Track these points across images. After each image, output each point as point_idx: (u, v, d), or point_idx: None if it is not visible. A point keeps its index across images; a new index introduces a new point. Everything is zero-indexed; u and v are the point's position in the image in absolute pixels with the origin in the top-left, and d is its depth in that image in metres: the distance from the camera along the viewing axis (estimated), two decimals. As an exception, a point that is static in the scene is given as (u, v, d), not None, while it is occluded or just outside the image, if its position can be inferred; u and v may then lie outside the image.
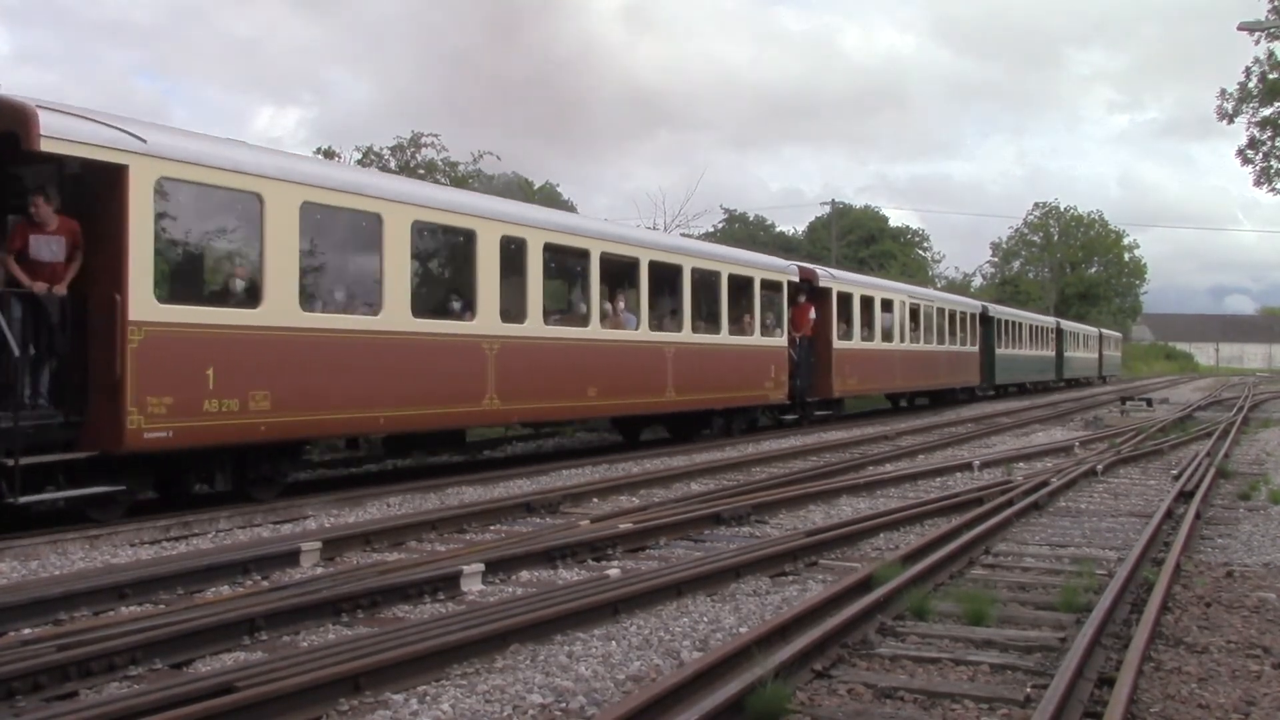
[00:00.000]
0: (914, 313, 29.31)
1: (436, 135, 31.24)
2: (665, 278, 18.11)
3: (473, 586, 7.51)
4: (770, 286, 21.40)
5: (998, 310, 38.89)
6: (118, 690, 5.23)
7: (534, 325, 14.45)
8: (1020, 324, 41.68)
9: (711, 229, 53.63)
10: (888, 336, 27.09)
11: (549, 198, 39.84)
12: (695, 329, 18.41)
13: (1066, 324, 52.99)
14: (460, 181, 29.68)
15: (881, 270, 53.15)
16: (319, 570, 8.14)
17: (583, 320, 15.81)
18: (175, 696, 4.70)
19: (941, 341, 31.53)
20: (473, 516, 10.37)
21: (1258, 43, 35.89)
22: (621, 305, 16.94)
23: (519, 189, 38.20)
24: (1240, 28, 30.94)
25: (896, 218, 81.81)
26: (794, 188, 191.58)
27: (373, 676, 5.18)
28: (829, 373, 23.48)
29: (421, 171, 29.21)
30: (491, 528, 10.25)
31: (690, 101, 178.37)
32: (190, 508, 10.42)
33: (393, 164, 29.32)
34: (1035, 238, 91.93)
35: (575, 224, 17.00)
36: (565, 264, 16.48)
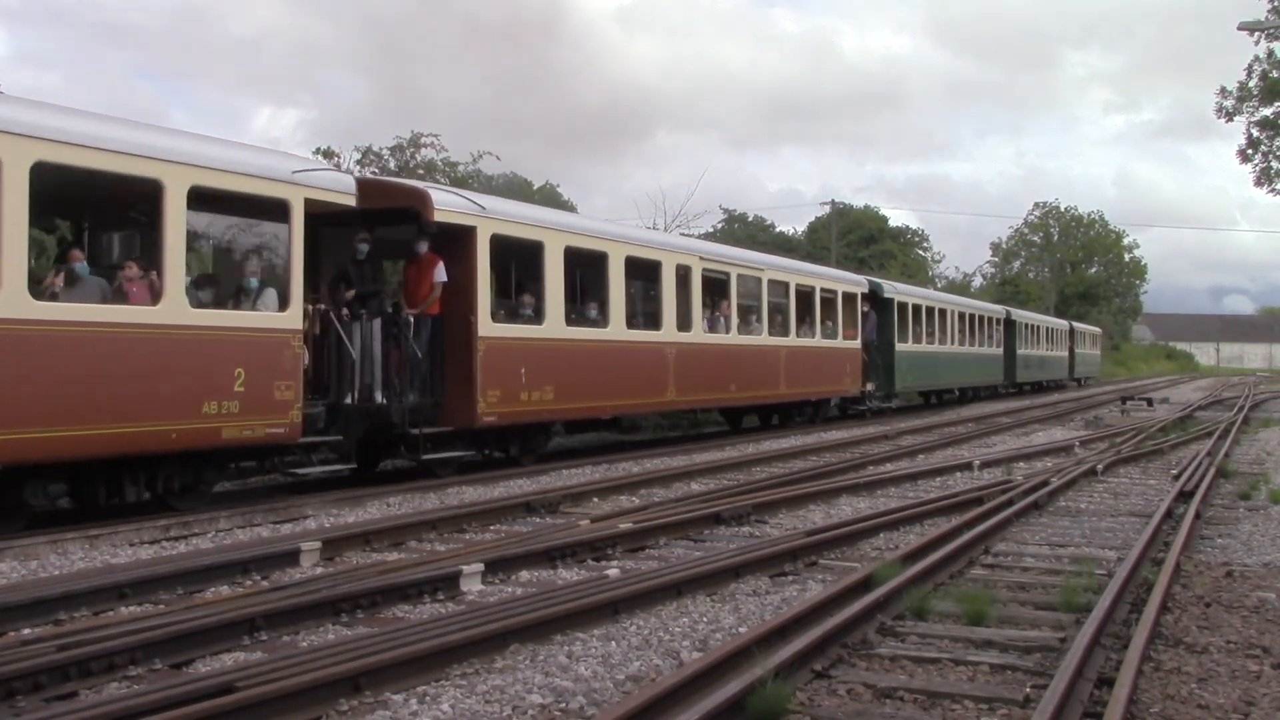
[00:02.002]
0: (713, 284, 19.36)
1: (436, 135, 31.25)
2: None
3: (472, 586, 7.51)
4: (236, 205, 11.04)
5: (898, 290, 29.49)
6: (118, 690, 5.23)
7: None
8: (942, 311, 32.07)
9: (711, 229, 53.64)
10: (652, 321, 17.45)
11: (549, 198, 39.84)
12: None
13: (1021, 314, 43.54)
14: (460, 182, 29.69)
15: (882, 270, 52.65)
16: (319, 570, 8.14)
17: None
18: (175, 696, 4.70)
19: (783, 330, 21.81)
20: (473, 516, 10.37)
21: (1257, 43, 35.90)
22: None
23: (519, 189, 38.21)
24: (1240, 27, 30.95)
25: (895, 218, 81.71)
26: (792, 188, 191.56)
27: (373, 676, 5.18)
28: (469, 381, 13.26)
29: (421, 172, 29.21)
30: (491, 528, 10.25)
31: (688, 102, 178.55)
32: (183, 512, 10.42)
33: (392, 164, 29.32)
34: (1035, 238, 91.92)
35: None
36: None
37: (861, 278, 27.53)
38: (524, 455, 14.95)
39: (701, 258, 18.98)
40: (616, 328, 16.27)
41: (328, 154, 28.55)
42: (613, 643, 6.11)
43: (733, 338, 19.68)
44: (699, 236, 36.33)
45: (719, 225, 59.40)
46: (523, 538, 9.19)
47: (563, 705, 5.07)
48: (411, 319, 13.09)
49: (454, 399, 13.36)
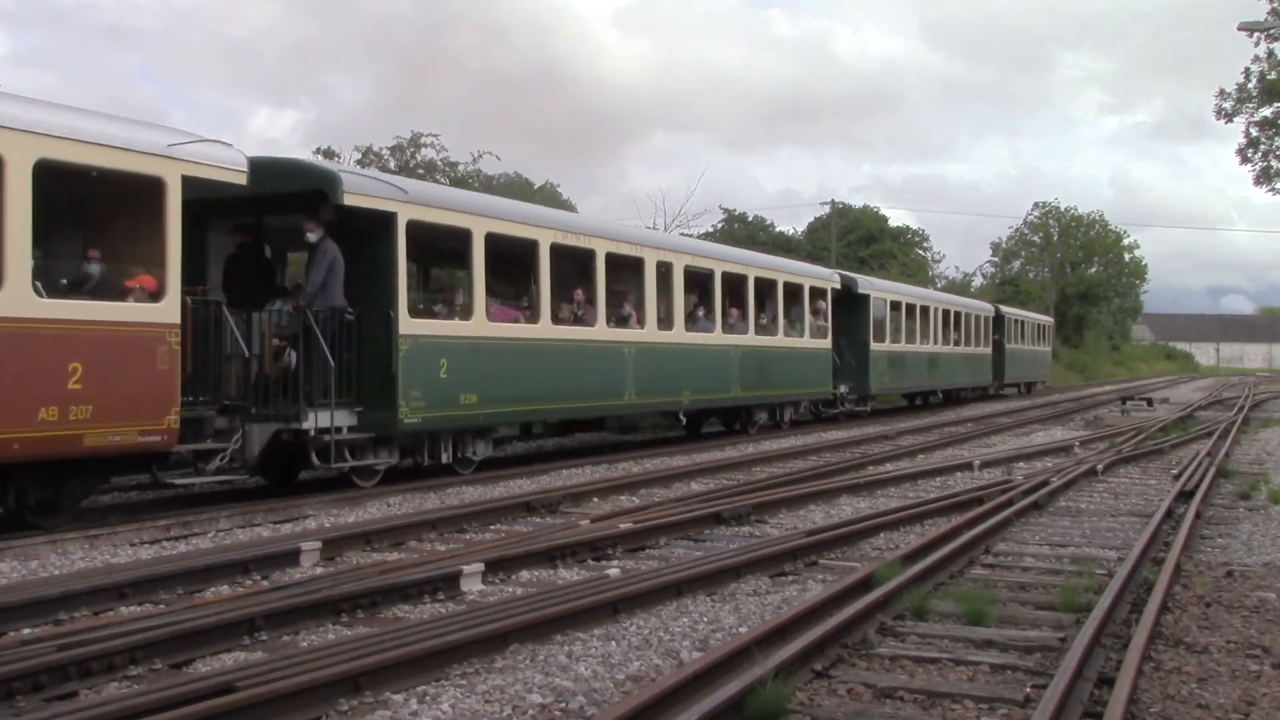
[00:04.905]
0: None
1: (436, 135, 31.30)
2: None
3: (473, 586, 7.51)
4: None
5: (420, 194, 13.13)
6: (117, 690, 5.23)
7: None
8: (613, 260, 15.96)
9: (711, 229, 53.68)
10: None
11: (549, 197, 39.87)
12: None
13: (883, 286, 28.26)
14: (460, 182, 29.69)
15: (881, 270, 52.40)
16: (319, 570, 8.14)
17: None
18: (175, 696, 4.70)
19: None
20: (473, 516, 10.37)
21: (1257, 44, 35.95)
22: None
23: (519, 189, 38.25)
24: (1241, 28, 31.06)
25: (893, 218, 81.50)
26: (790, 189, 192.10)
27: (373, 676, 5.17)
28: None
29: (421, 171, 29.22)
30: (491, 527, 10.25)
31: (685, 104, 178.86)
32: (190, 507, 10.42)
33: (392, 164, 29.33)
34: (1035, 238, 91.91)
35: None
36: None
37: (394, 186, 12.72)
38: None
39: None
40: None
41: (328, 154, 28.59)
42: (613, 643, 6.11)
43: None
44: (699, 237, 36.28)
45: (719, 225, 59.48)
46: (523, 537, 9.19)
47: (563, 705, 5.07)
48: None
49: None
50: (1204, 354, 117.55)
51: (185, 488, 10.79)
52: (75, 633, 5.92)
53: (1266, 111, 37.18)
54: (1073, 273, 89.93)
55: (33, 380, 8.81)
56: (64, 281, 9.77)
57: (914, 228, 74.38)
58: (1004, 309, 39.44)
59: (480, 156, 31.86)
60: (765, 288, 21.28)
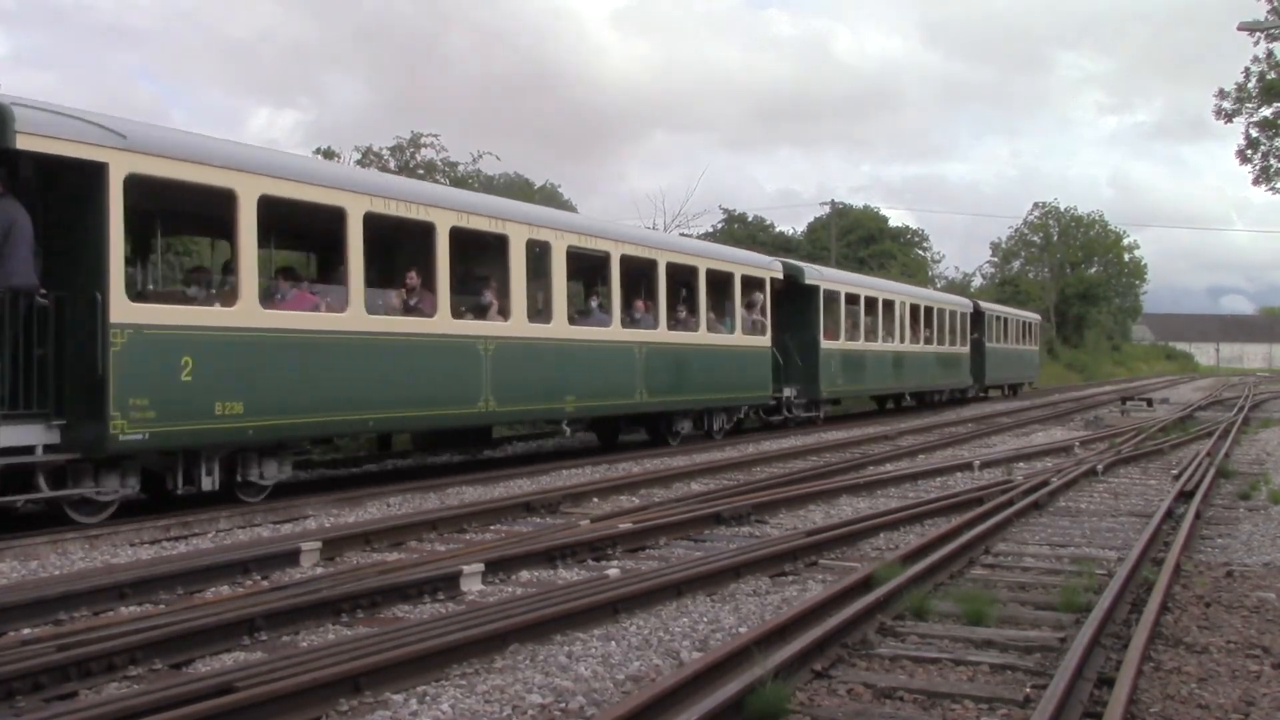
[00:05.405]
0: None
1: (436, 135, 31.28)
2: None
3: (472, 586, 7.51)
4: None
5: (263, 170, 10.72)
6: (117, 690, 5.23)
7: None
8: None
9: (711, 229, 53.69)
10: None
11: (549, 197, 39.88)
12: None
13: (843, 277, 26.00)
14: (460, 182, 29.69)
15: (881, 270, 52.39)
16: (319, 570, 8.14)
17: None
18: (175, 696, 4.70)
19: None
20: (473, 516, 10.38)
21: (1257, 43, 36.00)
22: None
23: (520, 189, 38.25)
24: (1240, 28, 31.06)
25: (893, 218, 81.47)
26: (789, 189, 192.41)
27: (373, 676, 5.17)
28: None
29: (421, 172, 29.21)
30: (491, 527, 10.25)
31: (684, 104, 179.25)
32: (189, 507, 10.42)
33: (392, 164, 29.31)
34: (1035, 238, 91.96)
35: None
36: None
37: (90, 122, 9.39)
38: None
39: None
40: None
41: (328, 154, 28.56)
42: (613, 643, 6.11)
43: None
44: (700, 237, 36.27)
45: (719, 225, 59.52)
46: (523, 538, 9.19)
47: (563, 705, 5.07)
48: None
49: None
50: (1204, 354, 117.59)
51: None
52: (75, 633, 5.92)
53: (1266, 112, 37.25)
54: (1072, 273, 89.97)
55: None
56: None
57: (914, 228, 74.47)
58: (983, 304, 36.66)
59: (480, 157, 31.86)
60: (682, 275, 18.14)
